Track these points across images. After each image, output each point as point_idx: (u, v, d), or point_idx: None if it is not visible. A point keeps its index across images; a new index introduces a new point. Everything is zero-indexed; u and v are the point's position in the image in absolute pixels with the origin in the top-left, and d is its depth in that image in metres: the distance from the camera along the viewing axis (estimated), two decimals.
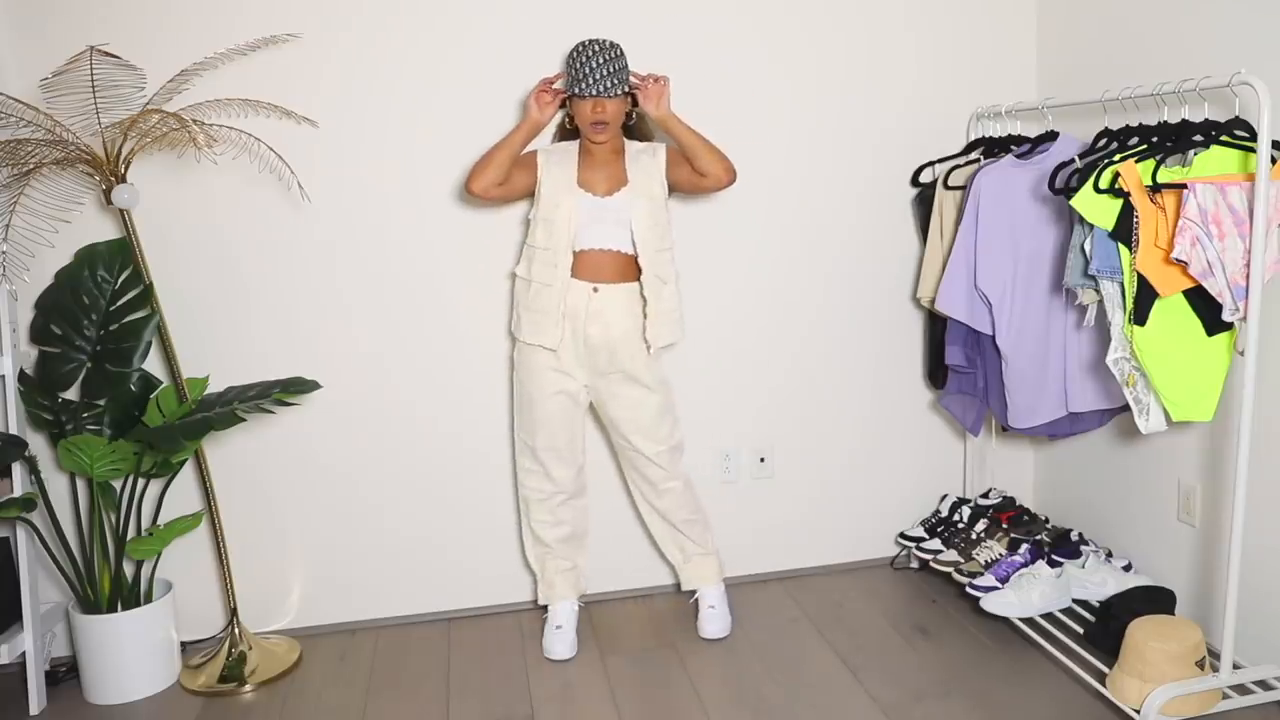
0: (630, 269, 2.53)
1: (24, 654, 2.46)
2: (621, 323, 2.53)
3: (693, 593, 2.86)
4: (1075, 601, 2.64)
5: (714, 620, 2.74)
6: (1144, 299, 2.13)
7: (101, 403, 2.54)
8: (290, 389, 2.52)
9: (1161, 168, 2.11)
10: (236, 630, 2.67)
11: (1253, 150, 2.08)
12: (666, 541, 2.83)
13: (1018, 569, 2.66)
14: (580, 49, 2.42)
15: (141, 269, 2.52)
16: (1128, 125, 2.35)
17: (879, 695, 2.41)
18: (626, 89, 2.45)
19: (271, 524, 2.81)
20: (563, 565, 2.75)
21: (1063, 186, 2.28)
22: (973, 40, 2.98)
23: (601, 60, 2.40)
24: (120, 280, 2.54)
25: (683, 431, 2.77)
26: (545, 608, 2.80)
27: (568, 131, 2.60)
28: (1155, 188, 2.10)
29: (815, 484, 3.12)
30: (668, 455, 2.67)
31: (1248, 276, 2.06)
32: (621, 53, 2.43)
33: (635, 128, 2.59)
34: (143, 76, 2.45)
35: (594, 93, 2.40)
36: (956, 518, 2.99)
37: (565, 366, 2.56)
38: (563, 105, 2.53)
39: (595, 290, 2.51)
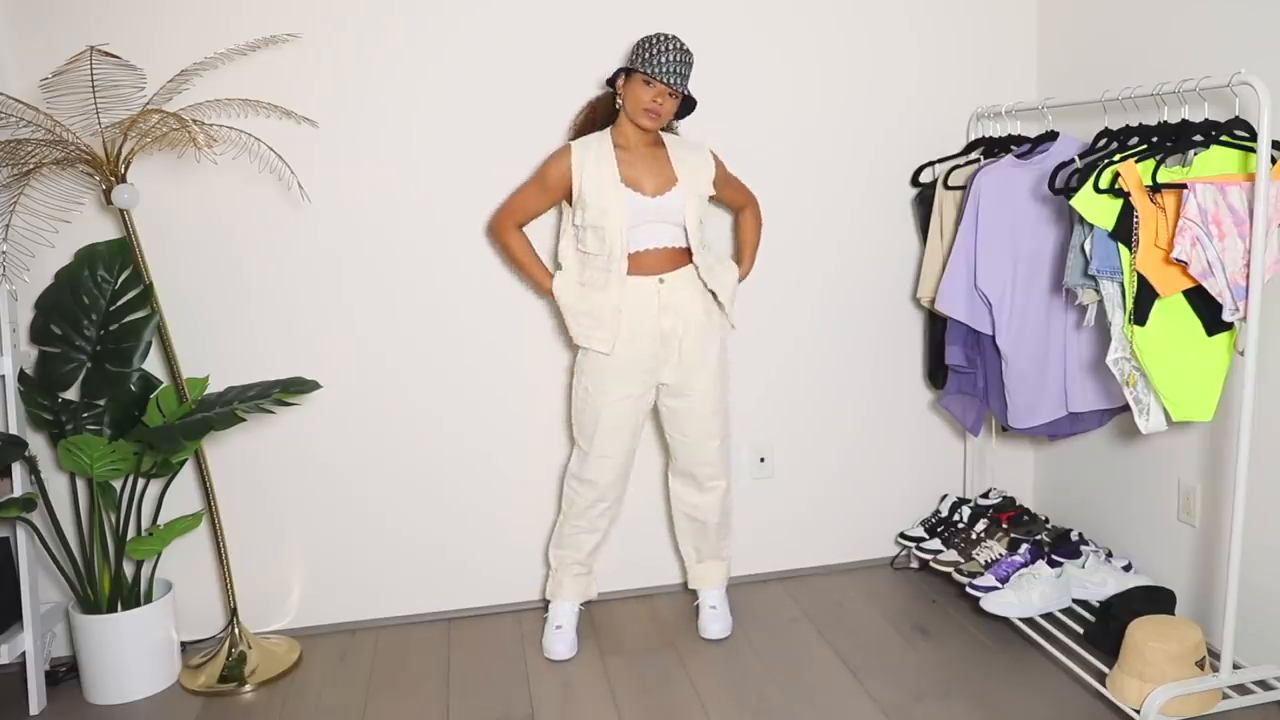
0: (683, 256, 2.53)
1: (24, 654, 2.46)
2: (691, 307, 2.53)
3: (694, 592, 2.87)
4: (1075, 601, 2.64)
5: (716, 621, 2.73)
6: (1144, 299, 2.13)
7: (101, 403, 2.54)
8: (290, 389, 2.52)
9: (1161, 168, 2.11)
10: (236, 630, 2.67)
11: (1253, 150, 2.08)
12: (686, 538, 2.82)
13: (1018, 569, 2.66)
14: (658, 36, 2.37)
15: (141, 269, 2.52)
16: (1128, 125, 2.35)
17: (879, 695, 2.41)
18: (686, 91, 2.43)
19: (271, 524, 2.81)
20: (578, 570, 2.74)
21: (1063, 186, 2.28)
22: (973, 40, 2.98)
23: (678, 55, 2.35)
24: (120, 280, 2.54)
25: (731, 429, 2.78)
26: (547, 604, 2.79)
27: (596, 115, 2.57)
28: (1155, 188, 2.10)
29: (815, 484, 3.12)
30: (718, 452, 2.67)
31: (1248, 276, 2.06)
32: (693, 58, 2.41)
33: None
34: (143, 76, 2.45)
35: (666, 80, 2.34)
36: (956, 518, 2.99)
37: (627, 368, 2.52)
38: (609, 82, 2.48)
39: (661, 281, 2.50)
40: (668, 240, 2.50)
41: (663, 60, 2.33)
